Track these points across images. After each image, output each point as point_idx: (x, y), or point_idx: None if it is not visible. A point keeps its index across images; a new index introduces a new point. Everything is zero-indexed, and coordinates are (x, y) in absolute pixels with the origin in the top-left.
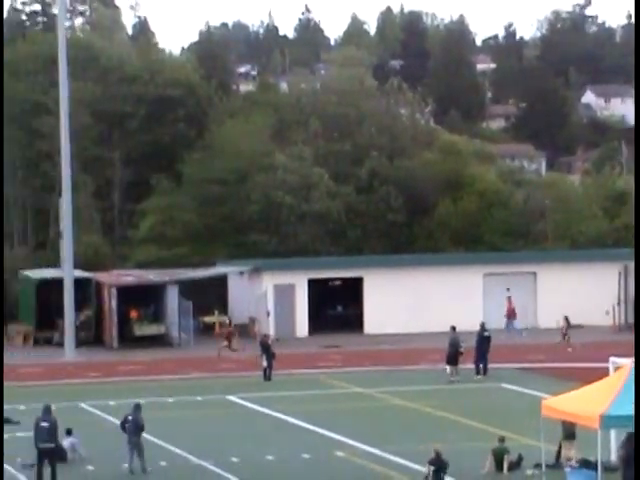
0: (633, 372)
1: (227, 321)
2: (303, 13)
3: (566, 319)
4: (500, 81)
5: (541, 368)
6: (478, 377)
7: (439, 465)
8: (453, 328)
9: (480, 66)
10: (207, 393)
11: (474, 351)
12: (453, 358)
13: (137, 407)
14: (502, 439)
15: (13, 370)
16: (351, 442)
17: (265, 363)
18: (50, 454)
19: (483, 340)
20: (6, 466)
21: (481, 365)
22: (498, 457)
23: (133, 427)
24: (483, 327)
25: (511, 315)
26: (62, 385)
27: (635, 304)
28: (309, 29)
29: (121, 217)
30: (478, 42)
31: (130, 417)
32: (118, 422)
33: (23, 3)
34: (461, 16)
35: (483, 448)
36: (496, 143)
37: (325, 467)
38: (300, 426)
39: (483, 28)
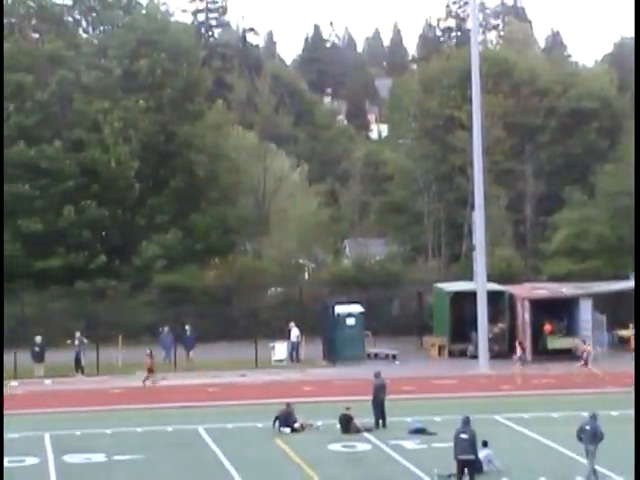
0: None
1: (148, 351)
2: None
3: (520, 344)
4: None
5: None
6: None
7: None
8: None
9: None
10: (622, 408)
11: None
12: None
13: (594, 416)
14: None
15: (428, 381)
16: None
17: None
18: (470, 465)
19: None
20: (423, 475)
21: None
22: None
23: (590, 435)
24: None
25: None
26: (475, 397)
27: (635, 303)
28: None
29: (533, 230)
30: None
31: (587, 426)
32: (532, 435)
33: (438, 19)
34: None
35: None
36: None
37: None
38: None
39: None
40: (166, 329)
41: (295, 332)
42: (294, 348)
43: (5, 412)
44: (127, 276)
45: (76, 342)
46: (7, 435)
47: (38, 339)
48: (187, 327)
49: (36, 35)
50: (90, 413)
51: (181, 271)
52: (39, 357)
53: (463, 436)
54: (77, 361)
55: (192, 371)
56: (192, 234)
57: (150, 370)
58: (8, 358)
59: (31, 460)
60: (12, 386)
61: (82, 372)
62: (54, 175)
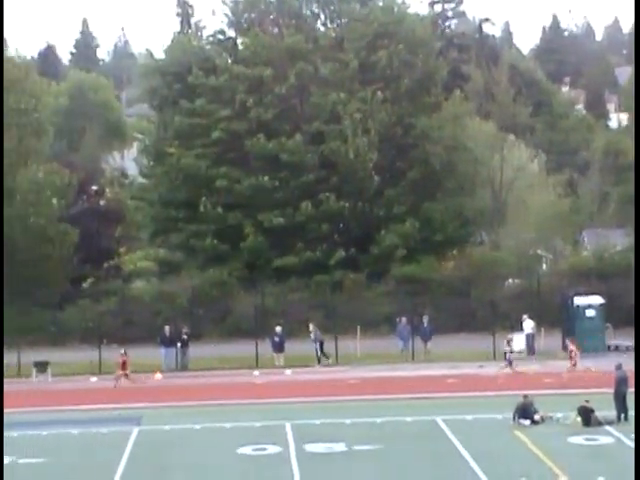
0: None
1: (122, 351)
2: None
3: (508, 343)
4: None
5: None
6: None
7: None
8: None
9: None
10: None
11: None
12: None
13: None
14: None
15: None
16: None
17: None
18: None
19: None
20: None
21: None
22: None
23: None
24: None
25: None
26: None
27: (635, 305)
28: None
29: None
30: None
31: None
32: None
33: None
34: None
35: None
36: None
37: None
38: None
39: None
40: (404, 320)
41: (529, 324)
42: (530, 340)
43: (247, 401)
44: (365, 267)
45: (317, 332)
46: (250, 423)
47: (278, 329)
48: (424, 318)
49: (275, 29)
50: (329, 403)
51: (419, 262)
52: (279, 347)
53: None
54: (316, 351)
55: (430, 362)
56: (429, 225)
57: (124, 367)
58: (249, 348)
59: (273, 449)
60: (254, 375)
61: (319, 362)
62: (294, 168)
